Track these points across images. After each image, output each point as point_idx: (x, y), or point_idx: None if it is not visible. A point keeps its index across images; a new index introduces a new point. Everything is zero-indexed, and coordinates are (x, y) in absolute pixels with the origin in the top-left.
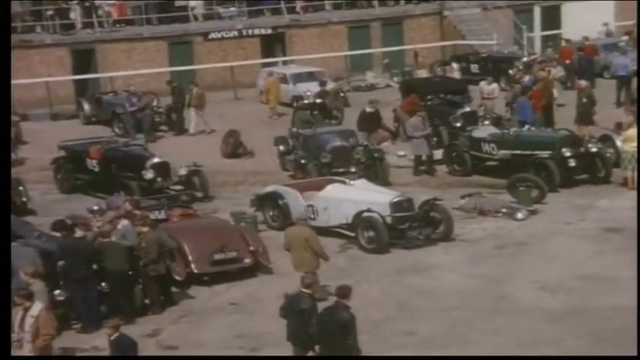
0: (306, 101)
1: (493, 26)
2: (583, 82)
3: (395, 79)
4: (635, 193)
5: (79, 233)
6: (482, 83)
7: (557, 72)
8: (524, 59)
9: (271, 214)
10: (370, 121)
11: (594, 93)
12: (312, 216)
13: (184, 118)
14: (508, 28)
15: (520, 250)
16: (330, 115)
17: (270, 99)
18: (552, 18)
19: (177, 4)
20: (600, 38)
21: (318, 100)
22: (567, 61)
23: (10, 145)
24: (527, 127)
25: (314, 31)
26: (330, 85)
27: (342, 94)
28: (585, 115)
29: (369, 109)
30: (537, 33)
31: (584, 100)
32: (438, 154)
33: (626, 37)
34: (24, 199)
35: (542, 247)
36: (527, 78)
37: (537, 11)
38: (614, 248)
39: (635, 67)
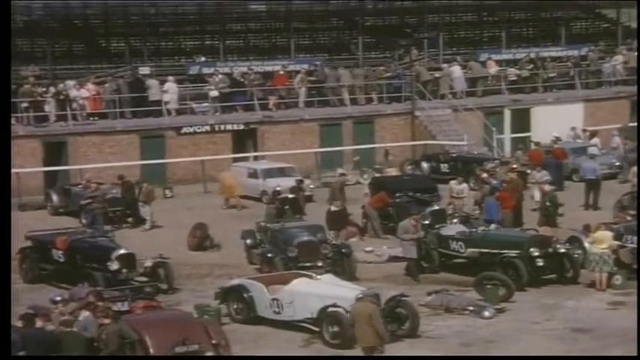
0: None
1: (464, 127)
2: (547, 186)
3: (365, 176)
4: (603, 295)
5: (38, 324)
6: (452, 183)
7: (542, 176)
8: (490, 164)
9: (235, 307)
10: (338, 220)
11: (557, 196)
12: (277, 310)
13: (147, 212)
14: (478, 129)
15: (486, 349)
16: (300, 210)
17: (225, 190)
18: (522, 121)
19: (151, 98)
20: (569, 142)
21: (290, 195)
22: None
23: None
24: (493, 226)
25: (286, 128)
26: (305, 182)
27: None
28: (549, 218)
29: (334, 208)
30: (507, 135)
31: (548, 203)
32: None
33: (595, 140)
34: None
35: (509, 346)
36: (495, 179)
37: (507, 114)
38: (582, 349)
39: (605, 171)
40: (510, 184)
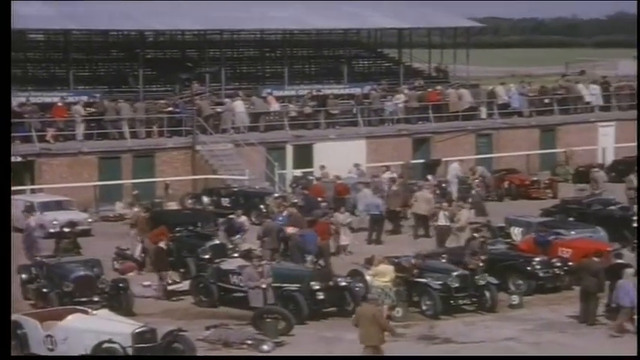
0: (52, 230)
1: (245, 162)
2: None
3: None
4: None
5: None
6: (233, 217)
7: (345, 218)
8: (273, 197)
9: None
10: (166, 259)
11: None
12: (51, 347)
13: None
14: (260, 164)
15: None
16: (78, 246)
17: None
18: (304, 156)
19: None
20: (352, 177)
21: (67, 229)
22: (320, 199)
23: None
24: (310, 257)
25: (64, 161)
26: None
27: None
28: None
29: (165, 246)
30: (289, 170)
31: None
32: (185, 285)
33: (385, 176)
34: None
35: None
36: (284, 213)
37: (289, 149)
38: None
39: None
40: (292, 218)
